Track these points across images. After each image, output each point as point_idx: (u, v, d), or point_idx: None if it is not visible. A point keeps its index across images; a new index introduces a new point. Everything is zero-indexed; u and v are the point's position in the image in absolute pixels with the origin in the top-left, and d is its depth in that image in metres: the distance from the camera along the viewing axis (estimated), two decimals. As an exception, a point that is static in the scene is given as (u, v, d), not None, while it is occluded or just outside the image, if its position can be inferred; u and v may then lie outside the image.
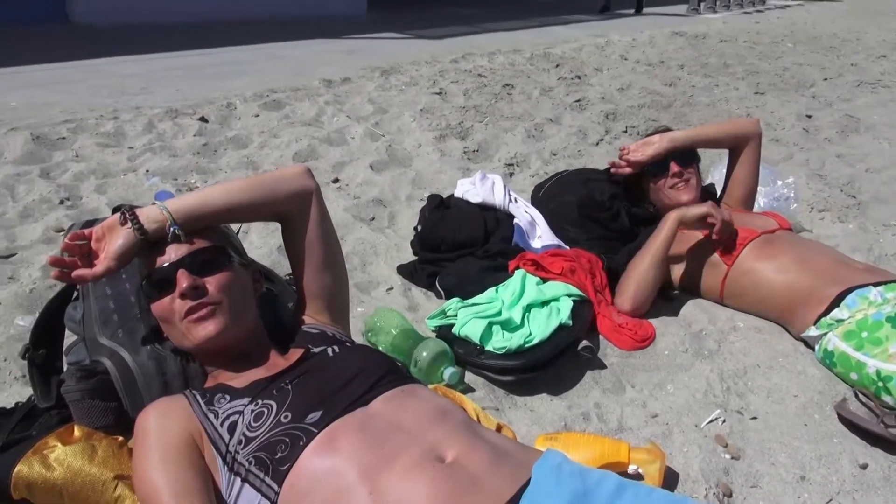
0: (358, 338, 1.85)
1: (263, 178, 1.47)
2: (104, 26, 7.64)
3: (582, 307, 1.98)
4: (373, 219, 2.84)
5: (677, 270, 2.25)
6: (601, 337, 2.02)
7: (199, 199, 1.39)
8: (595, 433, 1.66)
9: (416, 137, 3.94)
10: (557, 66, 6.29)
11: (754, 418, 1.71)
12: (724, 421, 1.69)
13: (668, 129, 2.43)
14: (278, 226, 2.56)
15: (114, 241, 1.30)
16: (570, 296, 1.99)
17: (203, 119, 4.08)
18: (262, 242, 2.52)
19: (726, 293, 2.16)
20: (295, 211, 1.47)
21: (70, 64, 5.70)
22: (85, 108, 4.24)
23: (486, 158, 3.72)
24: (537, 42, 7.91)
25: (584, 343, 1.88)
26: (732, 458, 1.58)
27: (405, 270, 2.36)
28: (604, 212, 2.40)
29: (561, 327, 1.87)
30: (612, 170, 2.44)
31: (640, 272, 2.12)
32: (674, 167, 2.32)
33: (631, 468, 1.45)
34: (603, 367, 1.91)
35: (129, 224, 1.31)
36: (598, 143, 3.99)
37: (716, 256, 2.16)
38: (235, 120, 4.18)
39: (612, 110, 4.64)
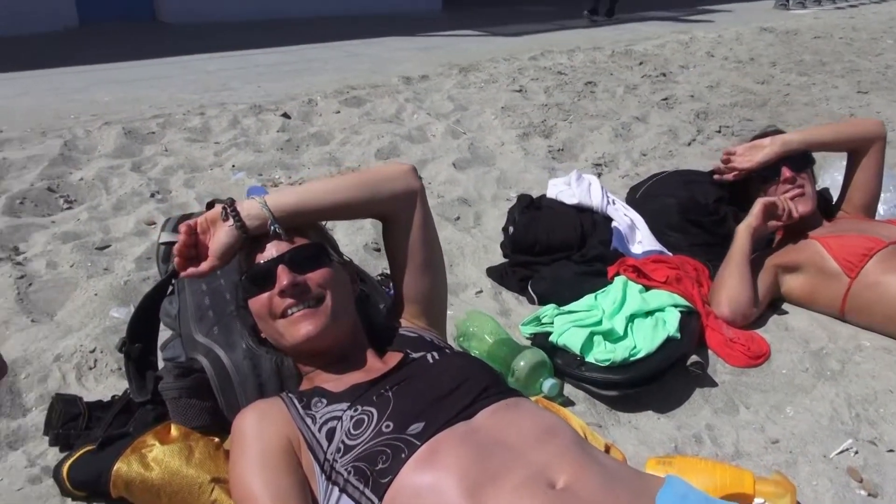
0: (448, 342, 1.77)
1: (367, 176, 1.41)
2: (189, 24, 7.87)
3: (689, 319, 1.85)
4: (458, 218, 2.77)
5: (791, 282, 2.08)
6: (710, 352, 1.88)
7: (300, 196, 1.35)
8: (709, 458, 1.53)
9: (498, 135, 3.85)
10: (641, 63, 6.07)
11: (891, 451, 1.54)
12: (856, 452, 1.53)
13: (778, 131, 2.25)
14: (365, 223, 2.58)
15: (217, 239, 1.28)
16: (676, 306, 1.86)
17: (286, 115, 4.10)
18: (348, 241, 2.48)
19: (848, 308, 1.98)
20: (398, 211, 1.40)
21: (157, 61, 5.87)
22: (173, 104, 4.33)
23: (572, 157, 3.60)
24: (617, 39, 7.68)
25: (694, 358, 1.75)
26: (869, 495, 1.42)
27: (495, 273, 2.27)
28: (708, 216, 2.25)
29: (668, 340, 1.74)
30: (715, 176, 2.28)
31: (726, 280, 2.00)
32: (786, 172, 2.13)
33: (756, 501, 1.32)
34: (713, 384, 1.78)
35: (231, 221, 1.27)
36: (690, 144, 3.80)
37: (836, 267, 1.98)
38: (317, 116, 4.18)
39: (703, 109, 4.43)
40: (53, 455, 1.47)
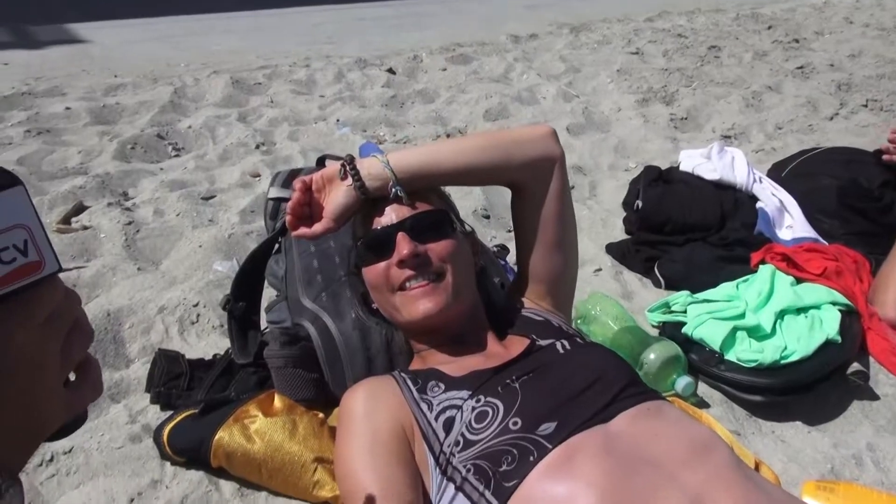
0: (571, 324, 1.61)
1: (501, 138, 1.24)
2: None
3: (851, 320, 1.60)
4: (572, 187, 2.56)
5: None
6: (871, 360, 1.63)
7: (426, 156, 1.20)
8: (874, 486, 1.31)
9: (614, 100, 3.58)
10: (770, 27, 5.57)
11: None
12: None
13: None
14: (473, 187, 2.42)
15: (333, 199, 1.15)
16: (834, 304, 1.61)
17: (391, 71, 3.97)
18: (457, 205, 2.33)
19: None
20: (533, 180, 1.23)
21: (265, 12, 5.87)
22: (279, 55, 4.29)
23: (697, 128, 3.30)
24: (742, 2, 7.10)
25: (856, 366, 1.51)
26: None
27: (616, 250, 2.07)
28: (872, 202, 1.95)
29: (828, 344, 1.51)
30: (885, 157, 1.98)
31: (894, 277, 1.70)
32: (971, 153, 1.82)
33: (946, 549, 1.10)
34: (874, 397, 1.54)
35: (350, 180, 1.14)
36: (832, 118, 3.41)
37: None
38: (422, 73, 4.04)
39: (846, 80, 3.98)
40: (154, 413, 1.41)
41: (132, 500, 1.21)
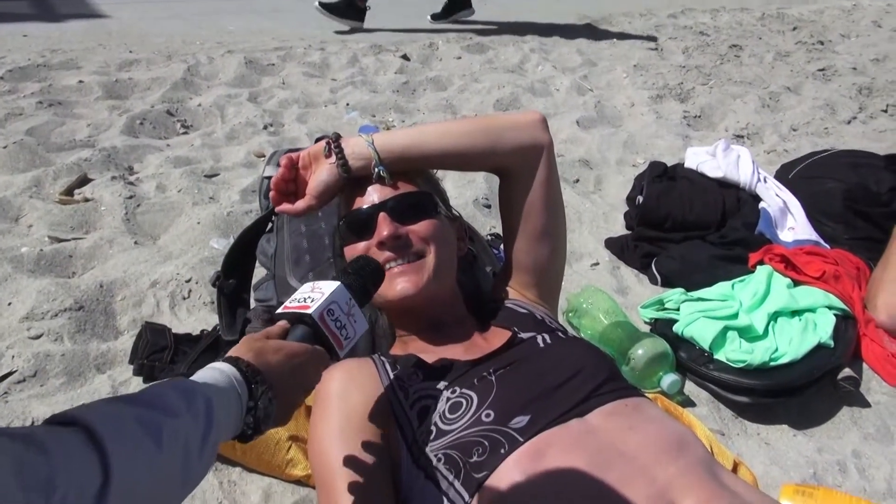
0: (557, 316, 1.59)
1: (489, 123, 1.23)
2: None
3: (846, 325, 1.57)
4: (577, 181, 2.54)
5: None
6: (864, 366, 1.60)
7: (411, 138, 1.19)
8: (856, 494, 1.28)
9: (628, 95, 3.54)
10: (794, 28, 5.47)
11: None
12: None
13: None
14: (477, 176, 2.41)
15: (316, 176, 1.15)
16: (830, 308, 1.58)
17: (405, 57, 3.95)
18: (457, 193, 2.32)
19: None
20: (519, 166, 1.22)
21: (286, -6, 5.85)
22: (295, 38, 4.28)
23: (710, 126, 3.25)
24: (769, 1, 6.99)
25: (847, 372, 1.49)
26: None
27: (614, 245, 2.05)
28: (879, 207, 1.91)
29: (819, 348, 1.48)
30: (900, 163, 1.94)
31: (886, 282, 1.67)
32: None
33: (922, 561, 1.08)
34: (865, 404, 1.51)
35: (334, 158, 1.14)
36: (850, 122, 3.35)
37: None
38: (437, 61, 4.01)
39: (867, 84, 3.90)
40: (136, 384, 1.42)
41: (107, 468, 1.22)
